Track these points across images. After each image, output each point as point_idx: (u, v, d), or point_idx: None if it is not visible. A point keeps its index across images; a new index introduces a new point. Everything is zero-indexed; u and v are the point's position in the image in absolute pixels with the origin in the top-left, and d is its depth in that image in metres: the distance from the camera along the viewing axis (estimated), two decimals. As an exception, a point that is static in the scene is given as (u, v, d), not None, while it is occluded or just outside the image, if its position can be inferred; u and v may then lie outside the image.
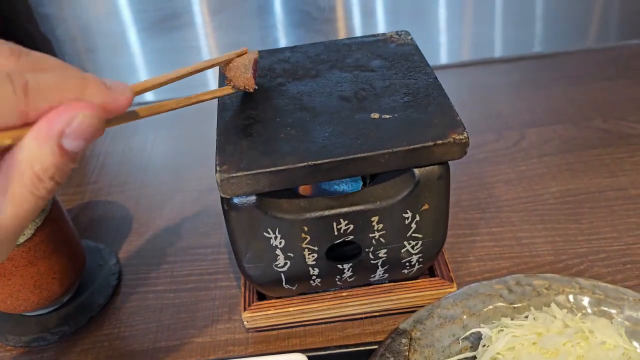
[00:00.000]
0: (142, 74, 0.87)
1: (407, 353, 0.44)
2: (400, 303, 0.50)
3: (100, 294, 0.56)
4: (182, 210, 0.67)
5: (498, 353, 0.40)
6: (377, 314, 0.51)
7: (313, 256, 0.45)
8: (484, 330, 0.43)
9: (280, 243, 0.44)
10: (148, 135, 0.82)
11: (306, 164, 0.40)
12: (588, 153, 0.68)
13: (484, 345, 0.42)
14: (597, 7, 0.88)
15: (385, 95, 0.46)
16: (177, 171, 0.74)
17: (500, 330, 0.42)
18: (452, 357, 0.44)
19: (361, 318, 0.51)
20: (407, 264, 0.47)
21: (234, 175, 0.40)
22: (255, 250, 0.44)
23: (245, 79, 0.44)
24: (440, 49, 0.90)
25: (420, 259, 0.47)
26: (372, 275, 0.48)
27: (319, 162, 0.40)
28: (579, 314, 0.42)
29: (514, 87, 0.82)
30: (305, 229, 0.43)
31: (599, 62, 0.85)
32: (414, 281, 0.50)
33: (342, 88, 0.47)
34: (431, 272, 0.52)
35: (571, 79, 0.82)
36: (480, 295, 0.47)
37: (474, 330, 0.44)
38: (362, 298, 0.49)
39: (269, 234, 0.43)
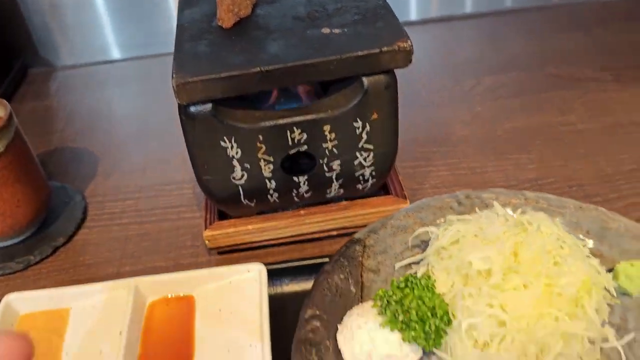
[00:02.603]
0: (108, 32, 0.88)
1: (360, 258, 0.46)
2: (357, 220, 0.52)
3: (65, 227, 0.57)
4: (147, 153, 0.68)
5: (443, 247, 0.42)
6: (334, 232, 0.53)
7: (269, 167, 0.47)
8: (432, 228, 0.45)
9: (236, 153, 0.45)
10: (114, 90, 0.83)
11: (258, 69, 0.42)
12: (540, 96, 0.71)
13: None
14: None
15: (337, 15, 0.48)
16: (144, 120, 0.75)
17: (446, 229, 0.44)
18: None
19: (319, 238, 0.53)
20: (361, 177, 0.49)
21: (189, 80, 0.41)
22: (213, 162, 0.46)
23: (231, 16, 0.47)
24: (410, 6, 0.91)
25: (373, 173, 0.49)
26: (328, 191, 0.50)
27: (270, 67, 0.42)
28: (519, 210, 0.44)
29: (473, 40, 0.85)
30: (261, 137, 0.45)
31: (558, 17, 0.88)
32: (369, 198, 0.52)
33: (296, 10, 0.49)
34: (386, 192, 0.54)
35: (529, 33, 0.85)
36: (432, 207, 0.49)
37: (422, 230, 0.45)
38: (319, 215, 0.51)
39: (225, 143, 0.45)
